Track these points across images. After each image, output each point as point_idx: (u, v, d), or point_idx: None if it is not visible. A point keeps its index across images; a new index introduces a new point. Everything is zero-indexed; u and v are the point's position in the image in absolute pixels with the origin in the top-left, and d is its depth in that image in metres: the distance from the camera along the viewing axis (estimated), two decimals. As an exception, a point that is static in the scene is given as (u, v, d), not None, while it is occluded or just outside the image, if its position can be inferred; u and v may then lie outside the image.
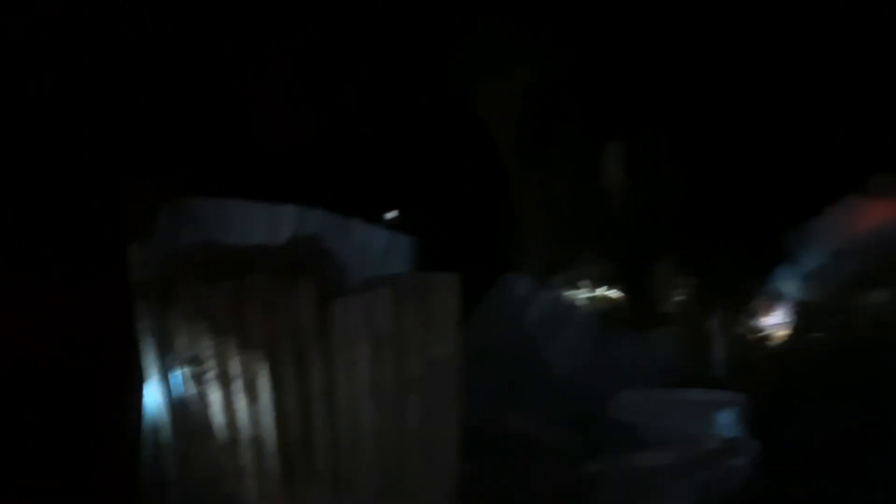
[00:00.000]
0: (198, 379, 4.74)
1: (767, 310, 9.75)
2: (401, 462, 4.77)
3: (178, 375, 4.80)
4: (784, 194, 9.68)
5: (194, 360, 4.72)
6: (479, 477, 5.48)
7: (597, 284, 10.29)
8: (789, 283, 10.18)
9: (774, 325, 9.51)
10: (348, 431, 4.61)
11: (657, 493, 6.04)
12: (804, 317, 8.88)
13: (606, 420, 6.74)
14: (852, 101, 9.52)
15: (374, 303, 4.67)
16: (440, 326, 4.84)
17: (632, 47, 9.96)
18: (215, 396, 4.71)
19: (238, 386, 4.63)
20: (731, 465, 6.35)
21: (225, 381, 4.66)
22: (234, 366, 4.63)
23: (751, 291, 10.15)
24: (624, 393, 7.40)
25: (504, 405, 6.91)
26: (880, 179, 9.12)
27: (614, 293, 10.25)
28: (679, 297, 10.10)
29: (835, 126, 9.62)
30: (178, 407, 4.81)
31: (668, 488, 6.06)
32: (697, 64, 9.68)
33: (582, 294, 10.06)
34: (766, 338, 9.38)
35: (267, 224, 5.77)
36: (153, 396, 4.94)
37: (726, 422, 6.73)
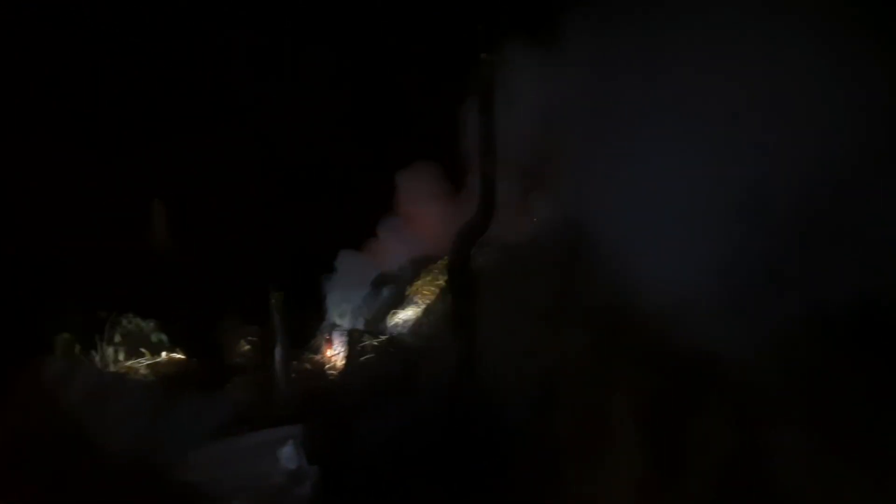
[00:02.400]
0: None
1: (327, 343, 10.63)
2: None
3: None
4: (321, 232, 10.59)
5: None
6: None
7: (159, 349, 10.01)
8: (342, 316, 11.26)
9: (333, 355, 10.39)
10: None
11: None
12: (354, 343, 9.81)
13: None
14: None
15: None
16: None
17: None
18: None
19: None
20: (296, 494, 6.74)
21: None
22: None
23: (310, 329, 10.96)
24: (191, 452, 7.32)
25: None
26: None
27: (178, 354, 10.07)
28: (244, 347, 10.36)
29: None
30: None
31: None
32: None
33: (141, 361, 9.66)
34: (326, 368, 10.17)
35: None
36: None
37: (289, 455, 7.09)
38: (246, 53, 10.34)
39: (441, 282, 9.92)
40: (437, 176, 10.99)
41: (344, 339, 10.22)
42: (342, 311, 11.22)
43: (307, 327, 10.88)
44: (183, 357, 10.12)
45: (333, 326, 11.05)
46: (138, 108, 10.23)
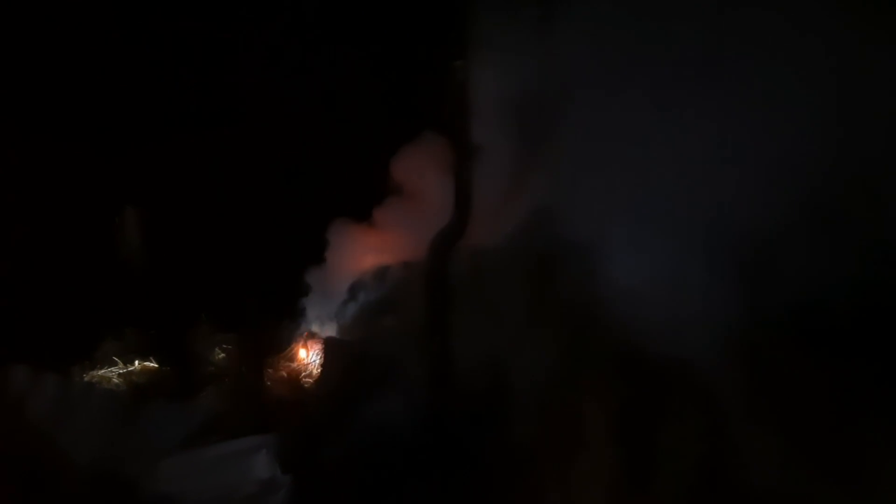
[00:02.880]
0: None
1: (303, 350, 10.56)
2: None
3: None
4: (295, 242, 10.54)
5: None
6: None
7: (132, 358, 9.90)
8: (317, 323, 11.19)
9: (309, 362, 10.33)
10: None
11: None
12: (330, 350, 9.75)
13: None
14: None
15: None
16: None
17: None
18: None
19: None
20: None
21: None
22: None
23: (285, 336, 10.88)
24: (163, 462, 7.24)
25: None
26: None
27: (152, 363, 9.96)
28: (218, 355, 10.26)
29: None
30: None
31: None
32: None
33: (113, 371, 9.55)
34: (302, 376, 10.10)
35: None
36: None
37: (262, 464, 7.04)
38: (220, 58, 10.28)
39: (417, 288, 9.89)
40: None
41: (319, 346, 10.16)
42: (318, 317, 11.14)
43: (282, 334, 10.78)
44: (156, 366, 10.01)
45: (309, 333, 10.97)
46: (110, 113, 10.13)
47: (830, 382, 6.11)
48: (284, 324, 10.88)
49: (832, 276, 6.30)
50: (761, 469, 6.06)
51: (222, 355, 10.28)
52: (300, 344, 10.71)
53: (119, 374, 9.61)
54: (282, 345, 10.77)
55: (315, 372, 10.09)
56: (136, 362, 9.98)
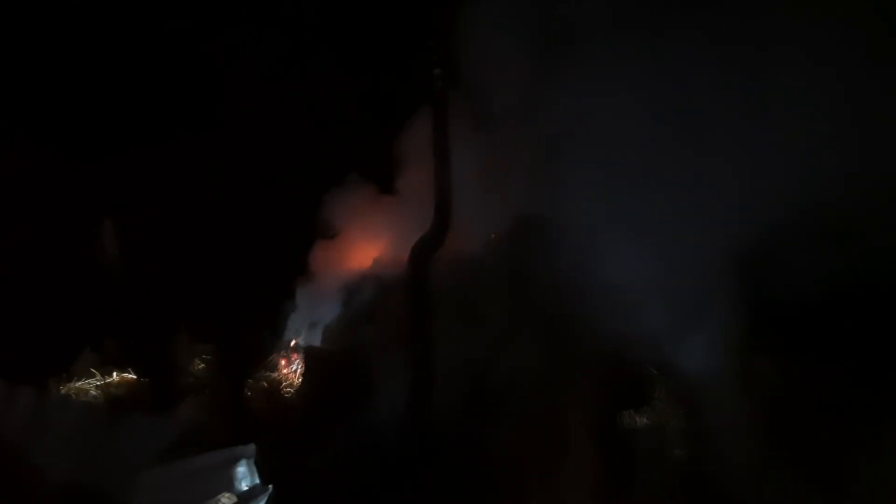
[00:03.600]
0: None
1: (283, 360, 10.50)
2: None
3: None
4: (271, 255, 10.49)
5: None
6: None
7: (110, 369, 9.77)
8: (298, 333, 11.13)
9: (290, 373, 10.26)
10: None
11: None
12: (311, 360, 9.71)
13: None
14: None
15: None
16: None
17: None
18: None
19: None
20: (249, 515, 6.60)
21: None
22: None
23: (266, 346, 10.80)
24: (142, 474, 7.12)
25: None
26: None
27: (130, 375, 9.83)
28: (198, 366, 10.16)
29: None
30: None
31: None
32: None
33: (91, 382, 9.42)
34: (283, 386, 10.02)
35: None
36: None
37: (242, 475, 6.94)
38: (196, 68, 10.23)
39: (399, 297, 9.87)
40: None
41: (300, 356, 10.10)
42: (299, 327, 11.08)
43: (263, 345, 10.70)
44: (134, 377, 9.89)
45: (290, 343, 10.91)
46: (86, 120, 10.03)
47: (810, 389, 6.17)
48: (265, 334, 10.80)
49: (811, 282, 6.39)
50: (742, 475, 6.09)
51: (202, 366, 10.18)
52: (281, 354, 10.64)
53: (97, 386, 9.47)
54: (262, 355, 10.71)
55: (296, 382, 10.03)
56: (115, 374, 9.84)
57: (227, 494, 6.83)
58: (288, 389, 9.97)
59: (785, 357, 6.38)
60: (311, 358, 10.02)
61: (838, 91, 6.47)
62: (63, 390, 9.15)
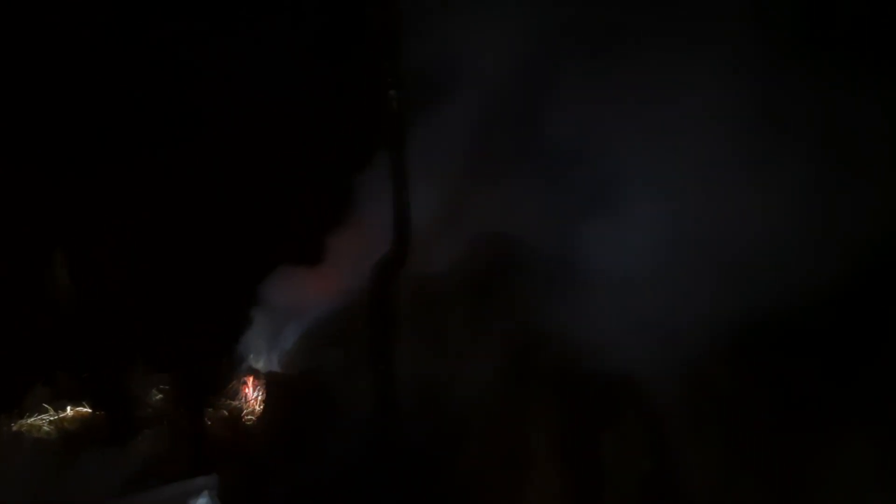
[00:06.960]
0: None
1: (243, 387, 10.32)
2: None
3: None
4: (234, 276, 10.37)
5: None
6: None
7: (63, 404, 9.49)
8: (259, 359, 10.98)
9: (251, 400, 10.10)
10: None
11: None
12: (272, 386, 9.58)
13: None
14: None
15: None
16: None
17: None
18: None
19: None
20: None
21: None
22: None
23: (225, 374, 10.62)
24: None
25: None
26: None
27: (85, 408, 9.57)
28: (156, 397, 9.94)
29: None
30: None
31: None
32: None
33: (44, 418, 9.14)
34: (244, 414, 9.86)
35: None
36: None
37: (204, 505, 6.82)
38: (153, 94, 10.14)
39: (360, 318, 9.82)
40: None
41: (261, 382, 9.95)
42: (259, 353, 10.93)
43: (222, 372, 10.52)
44: (89, 410, 9.62)
45: (250, 370, 10.75)
46: (33, 149, 9.82)
47: (772, 396, 6.31)
48: (224, 361, 10.63)
49: (774, 294, 6.56)
50: (705, 483, 6.18)
51: (160, 396, 9.95)
52: (241, 381, 10.47)
53: (50, 422, 9.18)
54: (222, 383, 10.52)
55: (258, 410, 9.87)
56: (69, 408, 9.57)
57: (189, 527, 6.70)
58: (249, 417, 9.81)
59: (746, 364, 6.52)
60: (273, 384, 9.88)
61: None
62: (14, 427, 8.85)
